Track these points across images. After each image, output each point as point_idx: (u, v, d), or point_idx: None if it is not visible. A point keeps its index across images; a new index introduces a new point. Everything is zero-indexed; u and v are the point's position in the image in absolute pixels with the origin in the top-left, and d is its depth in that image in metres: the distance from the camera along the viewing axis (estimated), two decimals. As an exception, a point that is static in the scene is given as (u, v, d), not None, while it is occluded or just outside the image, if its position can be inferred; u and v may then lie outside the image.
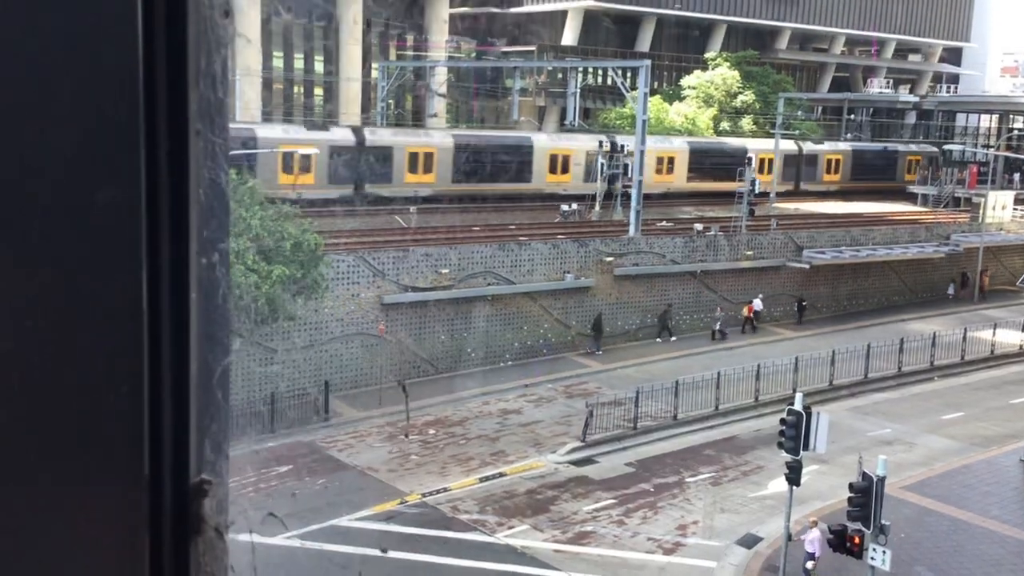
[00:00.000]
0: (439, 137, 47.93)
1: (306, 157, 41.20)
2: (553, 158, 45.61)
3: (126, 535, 0.96)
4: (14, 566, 0.93)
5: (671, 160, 54.49)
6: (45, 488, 0.93)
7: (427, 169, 45.79)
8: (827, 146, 65.74)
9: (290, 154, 40.56)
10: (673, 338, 40.32)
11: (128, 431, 0.94)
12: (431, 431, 29.61)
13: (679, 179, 55.27)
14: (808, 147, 63.50)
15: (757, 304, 42.86)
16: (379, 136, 45.68)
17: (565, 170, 49.83)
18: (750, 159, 46.61)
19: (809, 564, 20.53)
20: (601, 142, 49.19)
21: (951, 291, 50.94)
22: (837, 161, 64.31)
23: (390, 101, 57.55)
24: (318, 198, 41.11)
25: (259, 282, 25.78)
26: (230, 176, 1.01)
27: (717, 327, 40.53)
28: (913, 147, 71.45)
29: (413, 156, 45.85)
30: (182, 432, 0.98)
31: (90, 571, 0.95)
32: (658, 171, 53.04)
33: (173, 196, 0.95)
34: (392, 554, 21.37)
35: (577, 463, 27.41)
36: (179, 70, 0.94)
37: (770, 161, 57.19)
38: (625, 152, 47.01)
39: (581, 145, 50.77)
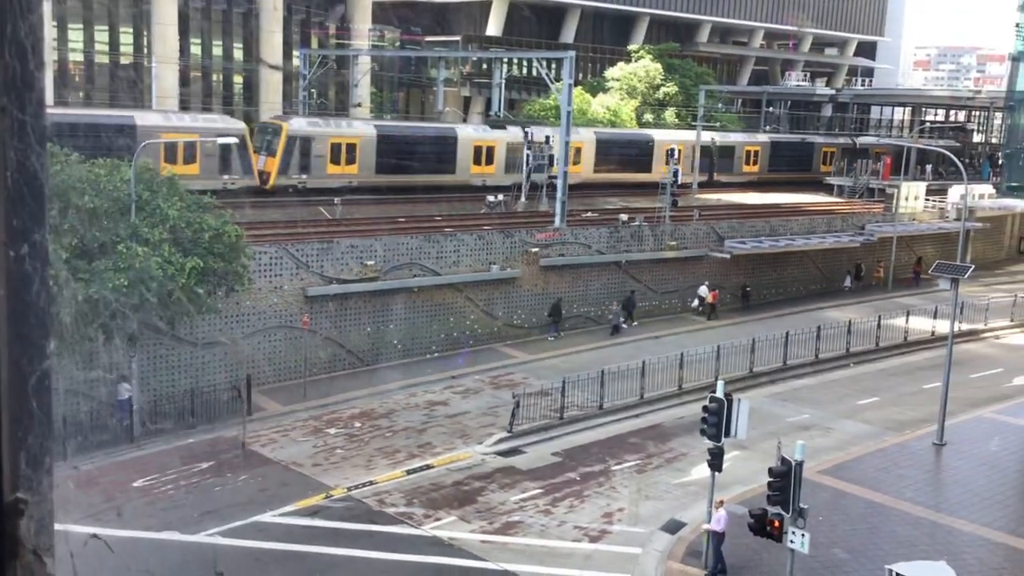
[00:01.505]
0: (585, 134, 55.05)
1: (491, 150, 50.81)
2: (669, 151, 48.71)
3: None
4: None
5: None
6: None
7: (576, 161, 51.97)
8: (872, 139, 72.06)
9: (480, 148, 50.40)
10: (635, 323, 41.34)
11: None
12: (357, 424, 29.37)
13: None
14: (862, 141, 70.57)
15: (703, 291, 44.10)
16: (541, 134, 50.48)
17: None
18: (672, 151, 47.18)
19: (705, 526, 21.07)
20: (527, 133, 49.42)
21: (848, 283, 51.47)
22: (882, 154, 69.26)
23: (312, 90, 56.74)
24: (498, 184, 49.70)
25: (175, 274, 25.18)
26: (49, 159, 0.90)
27: (614, 321, 40.50)
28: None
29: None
30: None
31: None
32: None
33: None
34: (318, 549, 21.13)
35: (504, 453, 27.47)
36: None
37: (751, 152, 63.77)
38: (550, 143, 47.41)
39: (683, 137, 57.84)
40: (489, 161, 50.78)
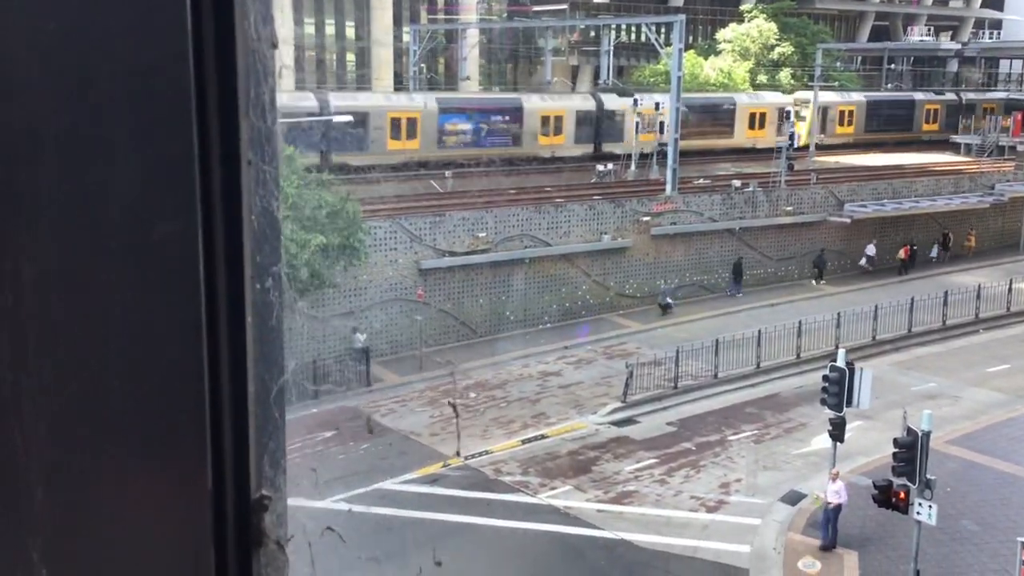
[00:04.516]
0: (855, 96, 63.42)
1: (763, 115, 56.99)
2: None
3: (192, 550, 0.99)
4: None
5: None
6: (117, 502, 0.97)
7: (850, 122, 61.15)
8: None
9: (753, 115, 57.26)
10: (823, 281, 42.74)
11: (192, 449, 0.98)
12: (472, 395, 29.82)
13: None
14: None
15: (870, 250, 44.60)
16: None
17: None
18: (788, 112, 45.94)
19: (818, 494, 21.04)
20: (636, 100, 48.84)
21: (934, 254, 47.32)
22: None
23: (422, 65, 57.34)
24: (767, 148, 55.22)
25: (299, 252, 25.97)
26: (280, 202, 1.04)
27: (662, 300, 38.20)
28: None
29: (842, 113, 60.80)
30: (242, 449, 1.01)
31: None
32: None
33: (227, 225, 0.97)
34: (438, 516, 21.63)
35: (618, 423, 27.49)
36: (230, 102, 0.96)
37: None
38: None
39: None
40: (761, 126, 57.91)
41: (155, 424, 0.97)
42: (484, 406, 28.82)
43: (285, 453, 1.04)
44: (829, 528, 20.29)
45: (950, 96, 66.64)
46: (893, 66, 77.10)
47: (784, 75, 66.79)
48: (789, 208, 43.43)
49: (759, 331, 31.75)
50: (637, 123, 47.76)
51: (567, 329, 36.18)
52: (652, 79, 59.99)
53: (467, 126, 46.44)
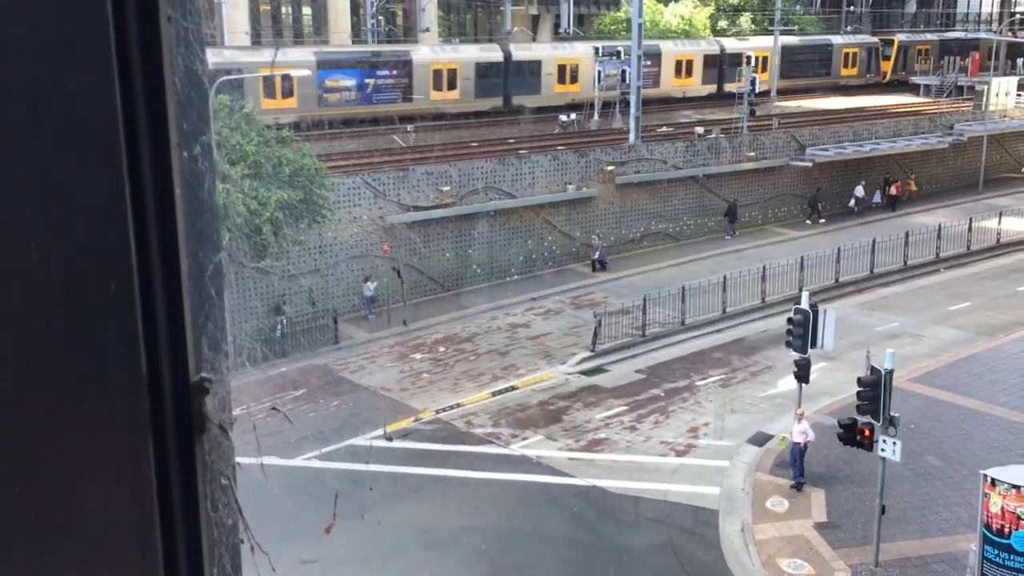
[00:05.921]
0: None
1: (855, 55, 63.22)
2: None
3: (128, 438, 0.93)
4: (15, 475, 0.90)
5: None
6: (42, 389, 0.89)
7: (926, 60, 65.99)
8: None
9: (847, 54, 62.97)
10: (822, 220, 43.69)
11: (122, 332, 0.91)
12: (441, 348, 29.84)
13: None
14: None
15: (858, 191, 45.84)
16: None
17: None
18: (749, 58, 45.83)
19: (784, 435, 21.76)
20: (597, 49, 48.58)
21: (877, 199, 46.75)
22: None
23: (380, 17, 56.41)
24: (859, 84, 63.22)
25: (259, 209, 25.65)
26: (207, 66, 0.97)
27: (595, 256, 37.41)
28: None
29: (919, 51, 66.72)
30: (178, 331, 0.95)
31: (93, 476, 0.93)
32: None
33: (147, 86, 0.90)
34: (411, 469, 21.73)
35: (587, 373, 27.67)
36: None
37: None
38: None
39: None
40: (853, 65, 63.73)
41: (78, 305, 0.89)
42: (453, 360, 28.87)
43: (226, 335, 0.99)
44: (798, 465, 20.65)
45: (1009, 37, 70.45)
46: (852, 8, 77.00)
47: (744, 20, 66.51)
48: (752, 154, 43.55)
49: (724, 277, 31.98)
50: (599, 72, 47.49)
51: (534, 281, 36.23)
52: (613, 27, 59.51)
53: (616, 71, 49.22)
